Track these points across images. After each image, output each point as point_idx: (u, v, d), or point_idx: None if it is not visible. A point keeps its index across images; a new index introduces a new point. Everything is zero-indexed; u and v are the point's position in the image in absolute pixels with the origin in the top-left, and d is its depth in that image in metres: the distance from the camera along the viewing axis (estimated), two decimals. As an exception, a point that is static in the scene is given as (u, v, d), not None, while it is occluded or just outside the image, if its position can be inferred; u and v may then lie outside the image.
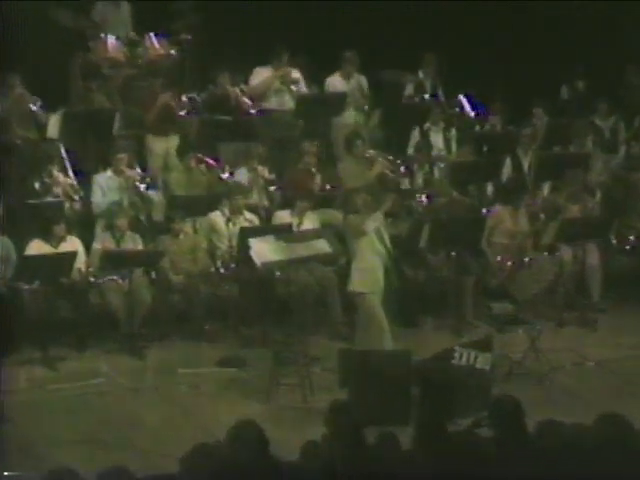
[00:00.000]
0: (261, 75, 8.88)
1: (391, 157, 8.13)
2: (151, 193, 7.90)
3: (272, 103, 8.87)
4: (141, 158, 8.44)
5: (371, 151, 8.16)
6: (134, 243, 7.61)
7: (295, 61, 8.95)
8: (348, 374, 6.29)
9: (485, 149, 8.83)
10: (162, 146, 8.49)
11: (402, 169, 8.07)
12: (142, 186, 7.81)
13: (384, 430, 4.52)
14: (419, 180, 8.58)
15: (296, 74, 8.93)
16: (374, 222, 6.73)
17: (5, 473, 4.81)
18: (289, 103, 8.86)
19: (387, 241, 6.84)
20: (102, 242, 7.57)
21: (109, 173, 7.98)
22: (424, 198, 7.93)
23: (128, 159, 7.97)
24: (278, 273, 7.25)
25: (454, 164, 8.67)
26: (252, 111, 8.76)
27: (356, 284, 6.79)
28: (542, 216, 8.15)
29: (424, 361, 6.34)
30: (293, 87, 8.81)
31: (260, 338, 7.37)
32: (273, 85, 8.82)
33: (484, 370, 6.27)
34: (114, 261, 7.34)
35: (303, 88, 8.95)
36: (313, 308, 7.43)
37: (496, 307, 7.74)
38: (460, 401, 6.02)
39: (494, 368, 6.38)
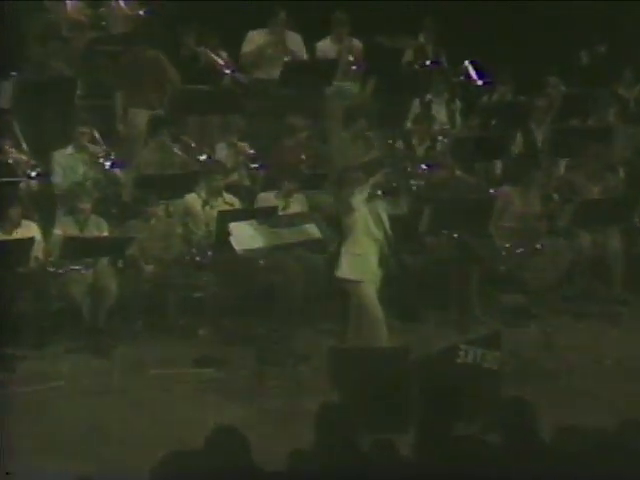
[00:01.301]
0: (254, 40, 8.85)
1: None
2: (117, 172, 7.86)
3: (261, 72, 8.85)
4: (108, 132, 8.40)
5: (371, 134, 8.13)
6: (99, 228, 7.60)
7: (289, 22, 8.93)
8: (340, 374, 6.30)
9: (493, 122, 8.84)
10: (145, 120, 8.44)
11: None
12: (107, 164, 7.78)
13: (380, 436, 4.53)
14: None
15: (296, 38, 8.90)
16: (361, 195, 6.72)
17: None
18: (277, 71, 8.84)
19: (386, 224, 6.85)
20: (63, 227, 7.55)
21: (70, 150, 7.96)
22: (424, 166, 7.80)
23: (92, 133, 7.94)
24: (261, 261, 7.25)
25: (458, 139, 8.69)
26: (227, 71, 8.73)
27: (345, 270, 6.82)
28: (557, 197, 8.17)
29: (425, 359, 6.35)
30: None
31: (242, 334, 7.38)
32: (266, 53, 8.80)
33: (492, 370, 6.28)
34: (77, 249, 7.30)
35: (303, 53, 8.92)
36: (301, 301, 7.45)
37: (505, 299, 7.76)
38: (465, 404, 6.00)
39: (503, 367, 6.39)
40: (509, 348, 6.67)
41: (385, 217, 6.87)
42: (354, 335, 6.80)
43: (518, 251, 7.59)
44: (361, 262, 6.78)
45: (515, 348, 6.89)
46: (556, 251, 7.74)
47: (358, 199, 6.73)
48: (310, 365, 6.90)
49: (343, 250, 6.87)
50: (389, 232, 6.85)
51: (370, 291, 6.77)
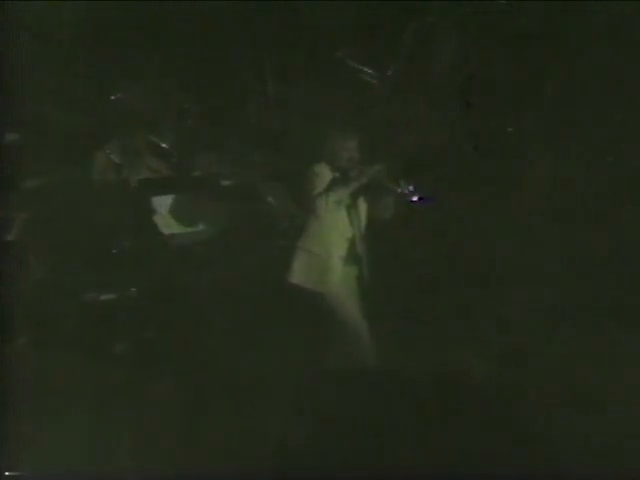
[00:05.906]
0: None
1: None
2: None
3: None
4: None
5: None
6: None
7: None
8: (307, 405, 6.39)
9: (524, 55, 8.81)
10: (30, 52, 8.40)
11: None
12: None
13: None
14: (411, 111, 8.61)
15: None
16: (335, 197, 6.98)
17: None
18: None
19: (363, 218, 7.08)
20: None
21: None
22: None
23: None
24: (200, 251, 7.33)
25: (474, 79, 8.72)
26: None
27: (297, 274, 7.01)
28: (610, 159, 8.22)
29: (425, 382, 6.39)
30: None
31: (172, 353, 7.42)
32: None
33: (517, 392, 6.32)
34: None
35: None
36: (254, 306, 7.55)
37: (531, 295, 7.74)
38: (482, 440, 5.99)
39: (533, 389, 6.44)
40: (539, 363, 6.72)
41: (364, 212, 7.10)
42: (328, 358, 6.98)
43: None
44: (319, 265, 6.99)
45: (547, 363, 6.92)
46: (604, 232, 7.78)
47: (330, 206, 6.97)
48: (267, 394, 6.91)
49: (299, 245, 7.04)
50: (363, 228, 7.03)
51: (345, 300, 6.98)
